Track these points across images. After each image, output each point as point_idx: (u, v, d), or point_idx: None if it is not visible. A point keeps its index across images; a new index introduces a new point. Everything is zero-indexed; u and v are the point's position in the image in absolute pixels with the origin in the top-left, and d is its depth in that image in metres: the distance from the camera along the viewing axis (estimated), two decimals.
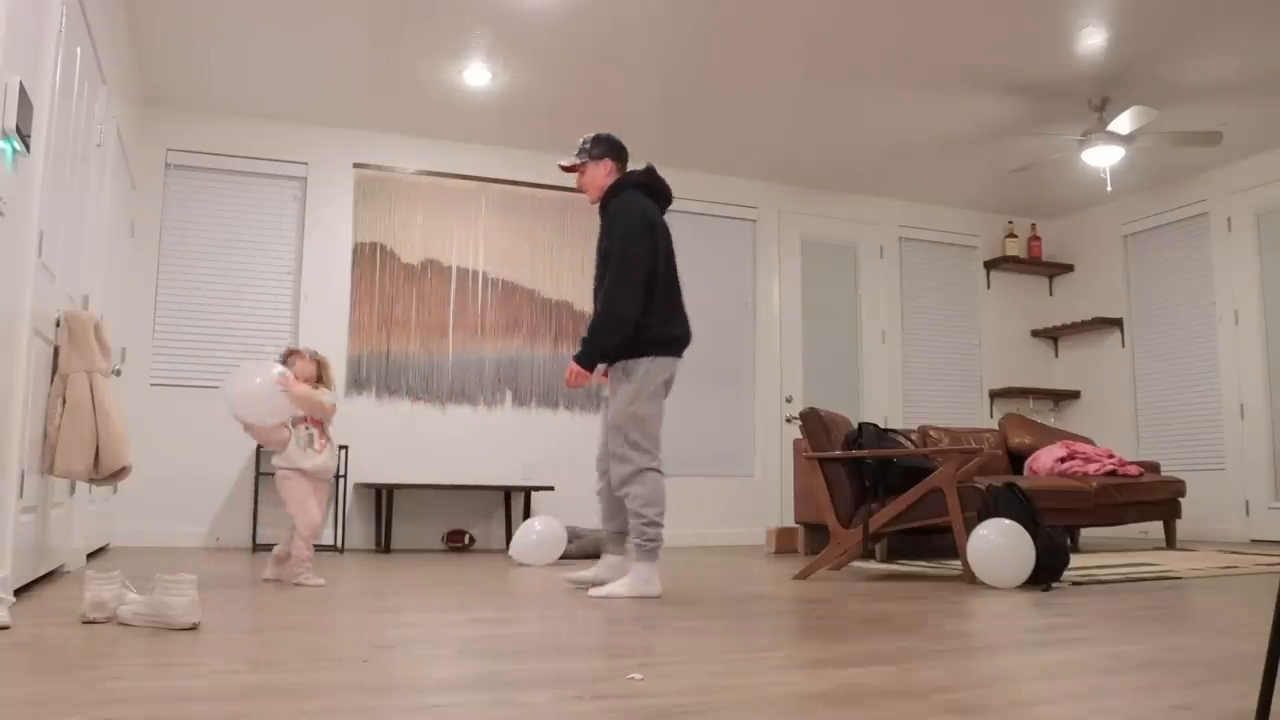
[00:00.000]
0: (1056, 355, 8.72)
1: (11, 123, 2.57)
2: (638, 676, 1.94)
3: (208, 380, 6.31)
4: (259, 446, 6.13)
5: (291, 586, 3.77)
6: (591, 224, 7.27)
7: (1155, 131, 6.19)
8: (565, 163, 3.96)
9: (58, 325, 3.46)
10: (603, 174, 3.88)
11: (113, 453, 3.39)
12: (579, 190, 3.99)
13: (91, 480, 3.42)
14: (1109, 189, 7.78)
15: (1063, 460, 6.43)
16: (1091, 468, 6.30)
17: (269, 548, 6.06)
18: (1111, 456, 6.43)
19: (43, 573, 3.57)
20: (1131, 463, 6.49)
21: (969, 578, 4.06)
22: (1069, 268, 8.60)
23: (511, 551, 5.28)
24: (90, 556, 4.90)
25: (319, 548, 3.99)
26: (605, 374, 3.80)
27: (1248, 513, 7.10)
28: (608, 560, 3.88)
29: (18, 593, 3.06)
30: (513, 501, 6.76)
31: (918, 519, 4.49)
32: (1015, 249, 8.45)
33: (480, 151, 7.08)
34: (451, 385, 6.79)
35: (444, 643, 2.39)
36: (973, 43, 5.48)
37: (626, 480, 3.63)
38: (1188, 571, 4.55)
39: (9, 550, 2.82)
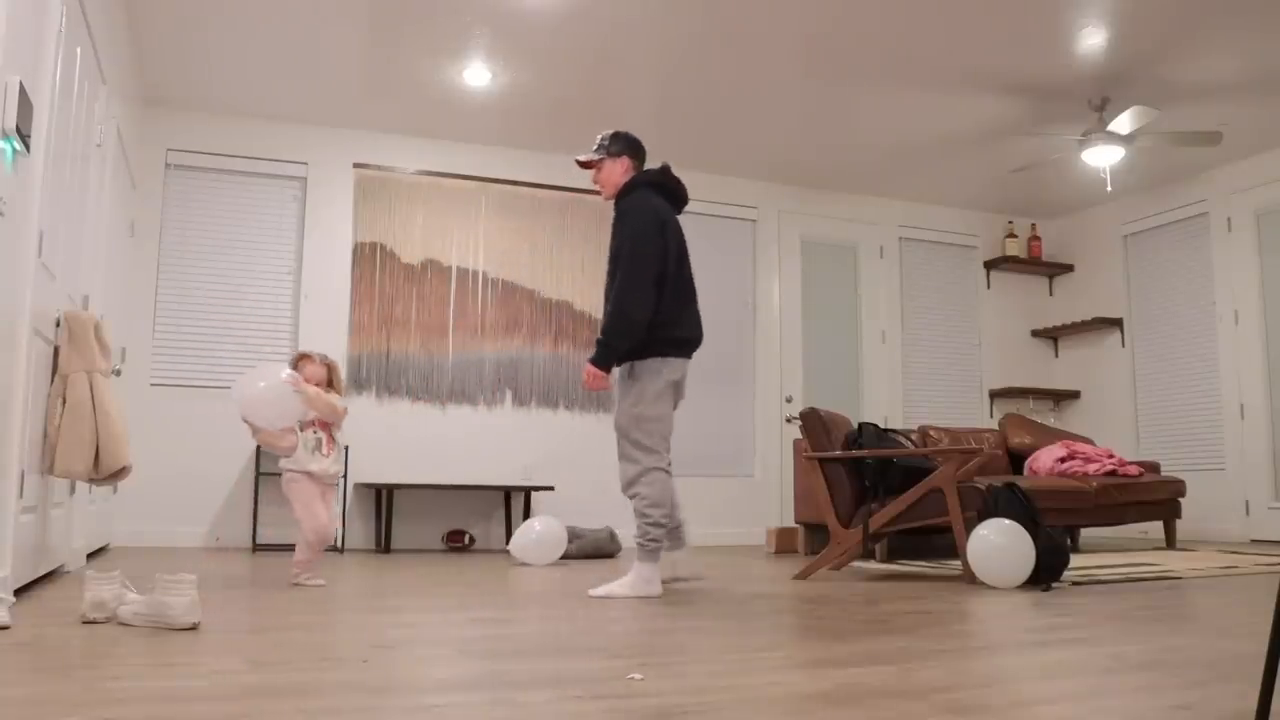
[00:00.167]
0: (1056, 355, 8.72)
1: (11, 123, 2.57)
2: (638, 676, 1.94)
3: (208, 380, 6.31)
4: (259, 447, 6.13)
5: (292, 586, 3.77)
6: (591, 224, 7.27)
7: (1155, 131, 6.20)
8: (583, 158, 3.95)
9: (58, 325, 3.46)
10: (619, 171, 3.87)
11: (113, 453, 3.39)
12: (595, 186, 3.95)
13: (91, 480, 3.42)
14: (1109, 189, 7.78)
15: (1063, 460, 6.43)
16: (1091, 468, 6.30)
17: (269, 548, 6.07)
18: (1111, 456, 6.43)
19: (43, 573, 3.57)
20: (1131, 463, 6.49)
21: (969, 578, 4.06)
22: (1069, 268, 8.60)
23: (511, 549, 5.29)
24: (90, 556, 4.90)
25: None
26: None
27: (1248, 513, 7.10)
28: (676, 556, 3.83)
29: (18, 593, 3.06)
30: (513, 501, 6.76)
31: (918, 519, 4.49)
32: (1015, 249, 8.45)
33: (480, 151, 7.08)
34: (451, 385, 6.79)
35: (444, 643, 2.39)
36: (973, 43, 5.48)
37: (633, 481, 3.63)
38: (1188, 571, 4.55)
39: (9, 550, 2.82)
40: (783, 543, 6.42)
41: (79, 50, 3.74)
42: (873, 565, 5.18)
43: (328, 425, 3.99)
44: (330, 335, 6.49)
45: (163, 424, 6.17)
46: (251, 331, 6.44)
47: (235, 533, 6.23)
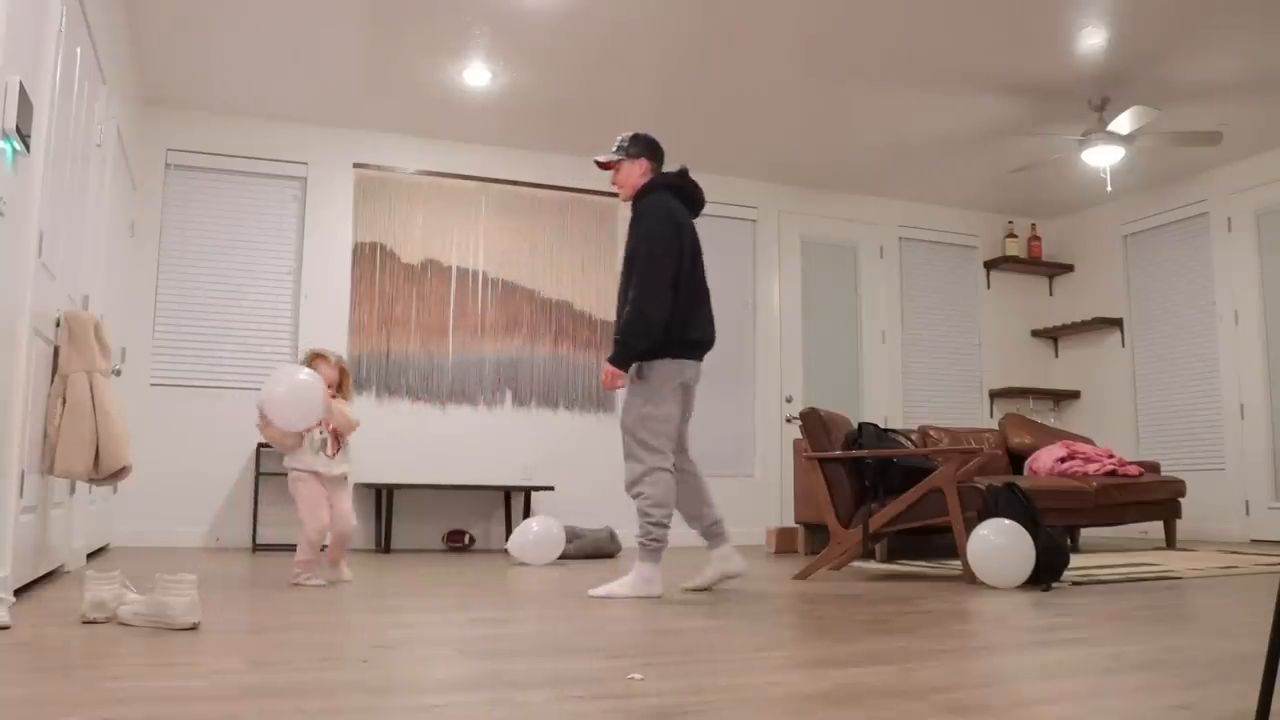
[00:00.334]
0: (1056, 355, 8.72)
1: (11, 123, 2.57)
2: (638, 676, 1.94)
3: (208, 380, 6.31)
4: (259, 446, 6.13)
5: (291, 586, 3.77)
6: (591, 224, 7.27)
7: (1155, 131, 6.20)
8: (602, 158, 3.97)
9: (58, 325, 3.46)
10: (637, 173, 3.89)
11: (113, 453, 3.39)
12: (612, 186, 3.98)
13: (91, 480, 3.42)
14: (1109, 189, 7.78)
15: (1063, 460, 6.43)
16: (1091, 468, 6.30)
17: (269, 548, 6.07)
18: (1111, 456, 6.43)
19: (43, 573, 3.57)
20: (1131, 463, 6.49)
21: (969, 578, 4.06)
22: (1069, 268, 8.60)
23: (510, 549, 5.30)
24: (90, 556, 4.90)
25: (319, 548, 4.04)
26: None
27: (1248, 513, 7.10)
28: (718, 554, 3.82)
29: (18, 593, 3.06)
30: (513, 501, 6.76)
31: (918, 519, 4.49)
32: (1015, 249, 8.45)
33: (480, 151, 7.08)
34: (451, 385, 6.79)
35: (444, 643, 2.39)
36: (973, 43, 5.48)
37: (637, 480, 3.63)
38: (1188, 571, 4.55)
39: (9, 550, 2.82)
40: (783, 543, 6.42)
41: (79, 50, 3.74)
42: (873, 565, 5.18)
43: (336, 430, 4.01)
44: (330, 335, 6.49)
45: (163, 424, 6.17)
46: (251, 331, 6.44)
47: (235, 533, 6.23)
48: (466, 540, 6.56)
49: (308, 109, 6.49)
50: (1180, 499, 6.40)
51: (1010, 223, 8.54)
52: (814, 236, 8.00)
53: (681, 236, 3.73)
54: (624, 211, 7.35)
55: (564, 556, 5.70)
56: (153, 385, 6.20)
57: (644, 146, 3.91)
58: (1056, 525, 5.33)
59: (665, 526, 3.62)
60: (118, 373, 5.02)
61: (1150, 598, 3.54)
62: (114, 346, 4.38)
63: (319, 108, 6.47)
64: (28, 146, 2.80)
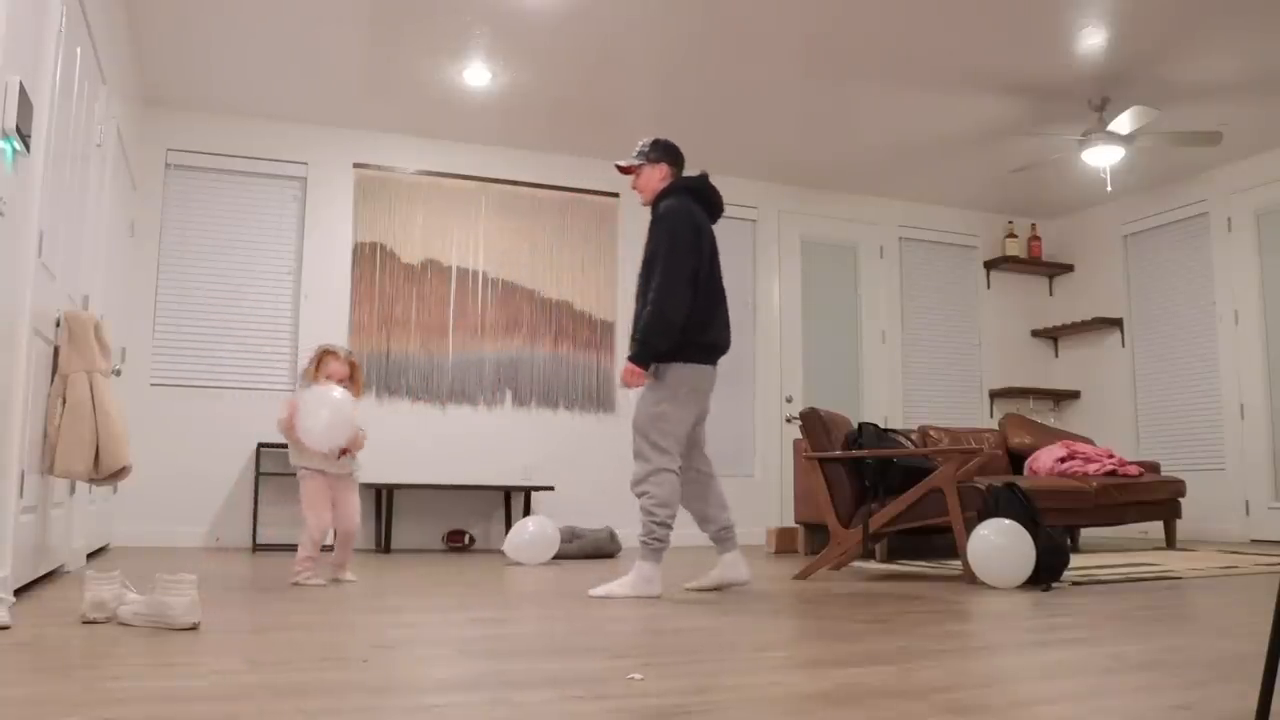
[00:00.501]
0: (1056, 355, 8.72)
1: (11, 123, 2.57)
2: (638, 676, 1.94)
3: (208, 380, 6.32)
4: (259, 446, 6.14)
5: (292, 586, 3.77)
6: (591, 224, 7.27)
7: (1155, 131, 6.20)
8: (623, 163, 4.00)
9: (58, 325, 3.46)
10: (658, 178, 3.92)
11: (113, 453, 3.39)
12: (633, 191, 4.03)
13: (91, 480, 3.42)
14: (1109, 189, 7.78)
15: (1063, 460, 6.43)
16: (1091, 468, 6.29)
17: (269, 548, 6.07)
18: (1111, 456, 6.43)
19: (43, 573, 3.57)
20: (1131, 463, 6.49)
21: (969, 578, 4.06)
22: (1069, 268, 8.60)
23: (506, 549, 5.31)
24: (90, 556, 4.90)
25: (322, 548, 4.05)
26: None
27: (1248, 513, 7.10)
28: (726, 560, 3.84)
29: (18, 593, 3.06)
30: (513, 501, 6.76)
31: (918, 519, 4.49)
32: (1015, 249, 8.45)
33: (480, 151, 7.08)
34: (451, 385, 6.79)
35: (444, 643, 2.39)
36: (973, 43, 5.48)
37: (642, 479, 3.66)
38: (1188, 571, 4.55)
39: (9, 550, 2.82)
40: (783, 543, 6.42)
41: (79, 50, 3.74)
42: (873, 565, 5.18)
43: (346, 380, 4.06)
44: (330, 335, 6.48)
45: (163, 424, 6.17)
46: (251, 331, 6.44)
47: (235, 533, 6.23)
48: (466, 540, 6.56)
49: (308, 109, 6.49)
50: (1180, 499, 6.40)
51: (1010, 223, 8.54)
52: (814, 236, 8.00)
53: (701, 239, 3.77)
54: (624, 211, 7.37)
55: (564, 556, 5.70)
56: (153, 385, 6.20)
57: (664, 151, 3.94)
58: (1056, 525, 5.33)
59: (668, 527, 3.64)
60: (118, 373, 5.02)
61: (1150, 598, 3.54)
62: (114, 346, 4.38)
63: (319, 108, 6.47)
64: (28, 146, 2.80)
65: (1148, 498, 6.24)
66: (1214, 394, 7.40)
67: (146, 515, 6.06)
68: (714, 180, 4.05)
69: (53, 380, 3.41)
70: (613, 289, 7.28)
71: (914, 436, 6.39)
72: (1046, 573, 3.90)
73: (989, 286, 8.54)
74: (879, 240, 8.20)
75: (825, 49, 5.57)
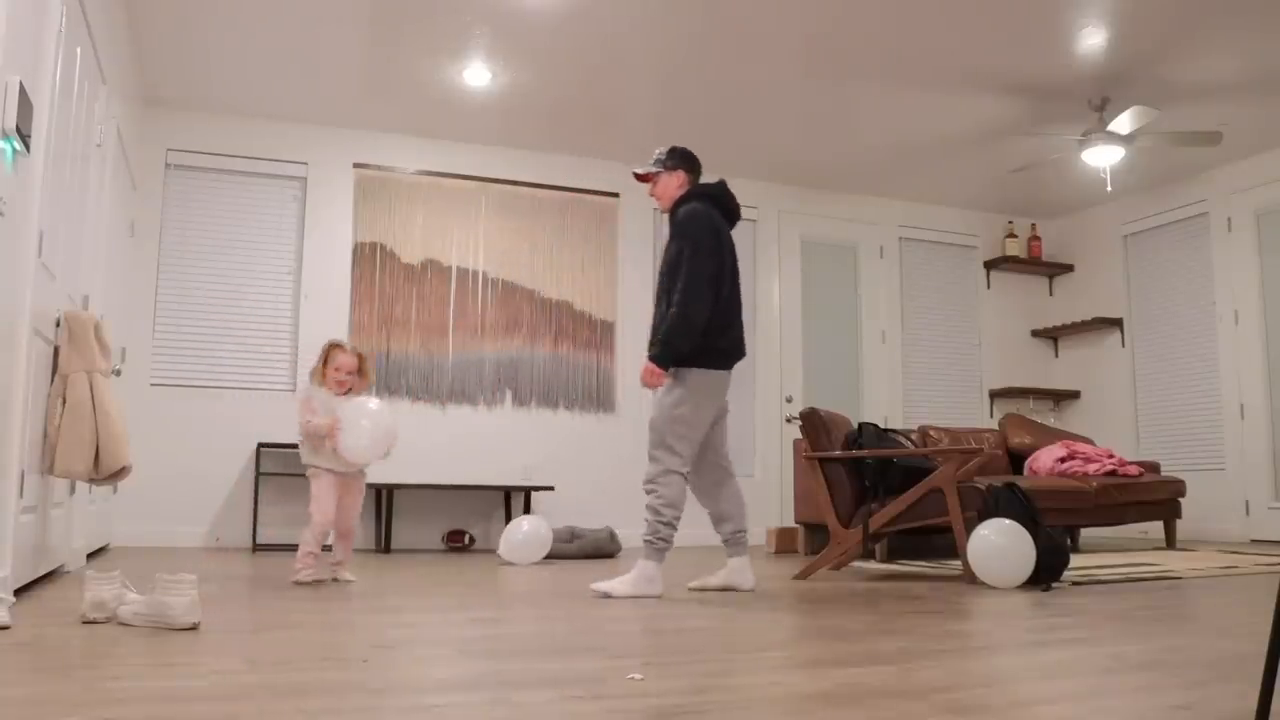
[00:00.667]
0: (1056, 355, 8.72)
1: (11, 123, 2.57)
2: (638, 676, 1.94)
3: (208, 380, 6.31)
4: (259, 446, 6.13)
5: (293, 585, 3.77)
6: (591, 224, 7.27)
7: (1155, 131, 6.20)
8: (640, 170, 4.04)
9: (58, 325, 3.46)
10: (675, 185, 3.97)
11: (113, 453, 3.39)
12: (651, 199, 4.08)
13: (91, 480, 3.42)
14: (1109, 189, 7.78)
15: (1063, 460, 6.43)
16: (1091, 468, 6.29)
17: (269, 548, 6.07)
18: (1111, 456, 6.43)
19: (43, 573, 3.57)
20: (1131, 463, 6.49)
21: (969, 578, 4.06)
22: (1069, 268, 8.60)
23: (500, 549, 5.32)
24: (90, 556, 4.90)
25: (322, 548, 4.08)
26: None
27: (1248, 513, 7.10)
28: (733, 564, 3.85)
29: (18, 593, 3.06)
30: (513, 501, 6.76)
31: (918, 519, 4.49)
32: (1015, 249, 8.45)
33: (480, 151, 7.08)
34: (451, 385, 6.79)
35: (444, 643, 2.39)
36: (973, 43, 5.48)
37: (653, 479, 3.70)
38: (1188, 571, 4.55)
39: (9, 550, 2.82)
40: (783, 543, 6.42)
41: (79, 50, 3.74)
42: (873, 565, 5.18)
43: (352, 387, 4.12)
44: (330, 335, 6.47)
45: (163, 424, 6.16)
46: (251, 331, 6.44)
47: (235, 533, 6.23)
48: (466, 540, 6.56)
49: (308, 109, 6.49)
50: (1180, 499, 6.40)
51: (1010, 223, 8.54)
52: (814, 236, 8.00)
53: (721, 244, 3.81)
54: (624, 211, 7.37)
55: (564, 556, 5.70)
56: (153, 385, 6.20)
57: (680, 158, 4.00)
58: (1056, 525, 5.33)
59: (673, 528, 3.68)
60: (118, 373, 5.02)
61: (1150, 598, 3.54)
62: (114, 346, 4.37)
63: (319, 108, 6.47)
64: (28, 146, 2.80)
65: (1148, 498, 6.24)
66: (1214, 394, 7.40)
67: (146, 515, 6.06)
68: (714, 180, 4.07)
69: (53, 380, 3.41)
70: (613, 289, 7.28)
71: (914, 436, 6.39)
72: (1046, 573, 3.90)
73: (989, 286, 8.54)
74: (879, 240, 8.20)
75: (825, 49, 5.57)
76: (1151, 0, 5.00)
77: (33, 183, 2.98)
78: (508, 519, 6.64)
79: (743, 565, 3.84)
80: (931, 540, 5.83)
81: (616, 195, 7.33)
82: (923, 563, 5.27)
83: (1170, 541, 6.38)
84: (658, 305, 3.84)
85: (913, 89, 6.10)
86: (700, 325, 3.68)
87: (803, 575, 4.42)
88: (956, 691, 1.82)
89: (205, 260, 6.40)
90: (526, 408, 6.96)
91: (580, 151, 7.22)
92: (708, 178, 4.10)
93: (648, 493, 3.71)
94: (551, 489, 6.65)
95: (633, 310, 7.29)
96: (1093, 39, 5.40)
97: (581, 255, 7.22)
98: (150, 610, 2.55)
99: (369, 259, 6.71)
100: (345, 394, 4.08)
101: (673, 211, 3.92)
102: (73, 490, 4.16)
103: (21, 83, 2.63)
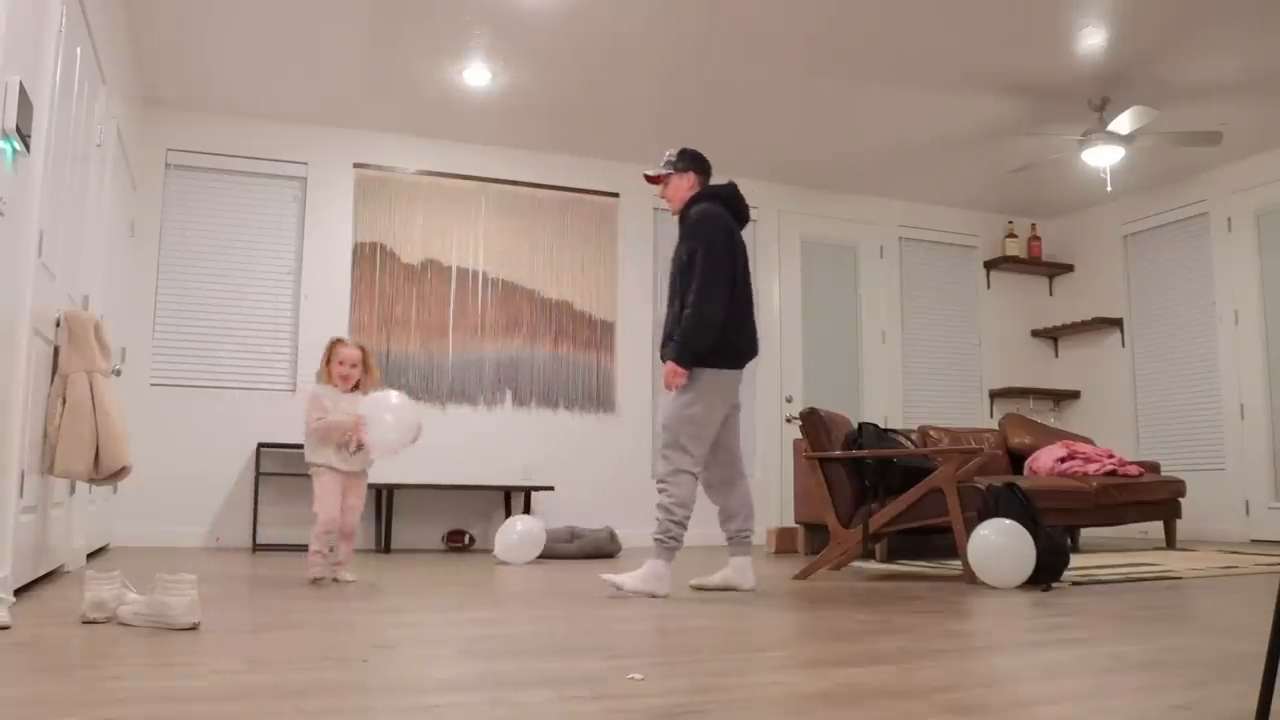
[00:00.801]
0: (1056, 355, 8.72)
1: (11, 123, 2.57)
2: (638, 676, 1.94)
3: (208, 380, 6.31)
4: (259, 446, 6.13)
5: (293, 585, 3.77)
6: (591, 224, 7.27)
7: (1155, 131, 6.19)
8: (651, 173, 4.07)
9: (58, 325, 3.46)
10: (686, 186, 4.00)
11: (113, 453, 3.39)
12: (661, 200, 4.11)
13: (91, 480, 3.42)
14: (1109, 189, 7.78)
15: (1063, 460, 6.43)
16: (1091, 468, 6.29)
17: (269, 548, 6.07)
18: (1111, 456, 6.42)
19: (43, 573, 3.57)
20: (1131, 463, 6.49)
21: (969, 578, 4.06)
22: (1069, 268, 8.60)
23: (495, 550, 5.33)
24: (90, 556, 4.90)
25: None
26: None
27: (1248, 513, 7.10)
28: (735, 564, 3.87)
29: (18, 593, 3.06)
30: (513, 501, 6.76)
31: (918, 519, 4.49)
32: (1015, 249, 8.45)
33: (480, 151, 7.08)
34: (451, 385, 6.79)
35: (444, 643, 2.39)
36: (973, 43, 5.48)
37: (664, 478, 3.73)
38: (1188, 571, 4.55)
39: (9, 550, 2.82)
40: (783, 543, 6.42)
41: (79, 50, 3.74)
42: (873, 565, 5.18)
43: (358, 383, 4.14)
44: (330, 335, 6.48)
45: (163, 424, 6.16)
46: (251, 331, 6.44)
47: (235, 533, 6.23)
48: (466, 540, 6.55)
49: (308, 109, 6.49)
50: (1180, 499, 6.40)
51: (1010, 223, 8.54)
52: (814, 236, 8.00)
53: (734, 243, 3.84)
54: (624, 211, 7.37)
55: (564, 556, 5.70)
56: (153, 385, 6.20)
57: (691, 160, 4.03)
58: (1056, 525, 5.32)
59: (683, 527, 3.71)
60: (118, 373, 5.02)
61: (1150, 598, 3.54)
62: (114, 346, 4.37)
63: (319, 108, 6.47)
64: (28, 146, 2.80)
65: (1148, 498, 6.24)
66: (1214, 394, 7.40)
67: (146, 515, 6.06)
68: (714, 180, 4.08)
69: (53, 380, 3.41)
70: (613, 289, 7.28)
71: (914, 436, 6.39)
72: (1046, 573, 3.90)
73: (989, 286, 8.54)
74: (879, 240, 8.20)
75: (825, 49, 5.57)
76: (1151, 0, 5.00)
77: (33, 183, 2.98)
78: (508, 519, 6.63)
79: (744, 565, 3.85)
80: (931, 540, 5.83)
81: (616, 195, 7.33)
82: (923, 563, 5.27)
83: (1170, 541, 6.38)
84: (670, 305, 3.87)
85: (913, 89, 6.10)
86: (718, 324, 3.72)
87: (803, 575, 4.42)
88: (956, 691, 1.82)
89: (205, 260, 6.40)
90: (526, 408, 6.96)
91: (580, 151, 7.22)
92: (715, 179, 4.11)
93: (659, 491, 3.74)
94: (551, 489, 6.65)
95: (633, 310, 7.29)
96: (1093, 39, 5.40)
97: (581, 255, 7.22)
98: (150, 610, 2.55)
99: (369, 259, 6.71)
100: (352, 390, 4.08)
101: (683, 213, 3.95)
102: (73, 490, 4.16)
103: (21, 83, 2.63)
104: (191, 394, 6.27)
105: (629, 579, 3.63)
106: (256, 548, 6.08)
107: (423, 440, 6.56)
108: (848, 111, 6.46)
